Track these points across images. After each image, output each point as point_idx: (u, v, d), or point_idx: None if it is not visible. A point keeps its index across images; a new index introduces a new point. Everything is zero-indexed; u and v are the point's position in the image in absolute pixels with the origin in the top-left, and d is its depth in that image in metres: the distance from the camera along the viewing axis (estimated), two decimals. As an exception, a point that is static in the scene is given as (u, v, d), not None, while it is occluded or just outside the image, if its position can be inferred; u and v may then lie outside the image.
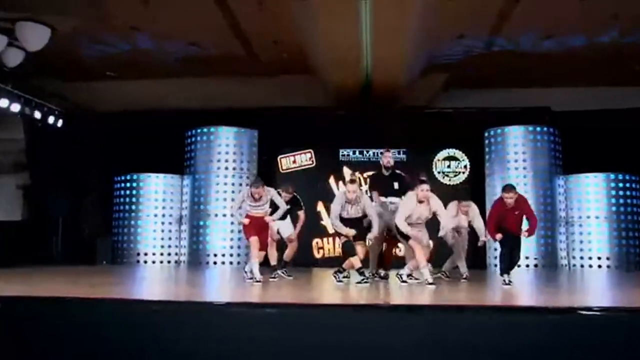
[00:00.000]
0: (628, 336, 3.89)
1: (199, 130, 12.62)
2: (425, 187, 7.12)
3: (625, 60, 10.98)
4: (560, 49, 10.79)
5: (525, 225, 7.44)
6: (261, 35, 10.42)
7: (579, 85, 12.13)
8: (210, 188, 12.42)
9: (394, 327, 4.10)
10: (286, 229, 8.38)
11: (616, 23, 9.84)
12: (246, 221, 7.33)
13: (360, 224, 7.37)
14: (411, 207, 7.10)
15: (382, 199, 7.74)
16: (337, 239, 12.59)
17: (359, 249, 7.31)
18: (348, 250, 7.27)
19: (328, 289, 6.93)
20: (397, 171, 8.09)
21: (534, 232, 7.48)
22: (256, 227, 7.37)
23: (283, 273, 8.24)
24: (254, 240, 7.35)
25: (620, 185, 12.05)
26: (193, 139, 12.70)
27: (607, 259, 11.90)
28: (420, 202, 7.12)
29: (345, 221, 7.30)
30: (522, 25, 10.00)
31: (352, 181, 7.72)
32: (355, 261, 7.18)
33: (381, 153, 8.50)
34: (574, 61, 11.05)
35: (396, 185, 7.83)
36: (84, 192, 13.34)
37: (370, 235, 7.26)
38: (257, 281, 7.13)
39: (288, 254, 8.51)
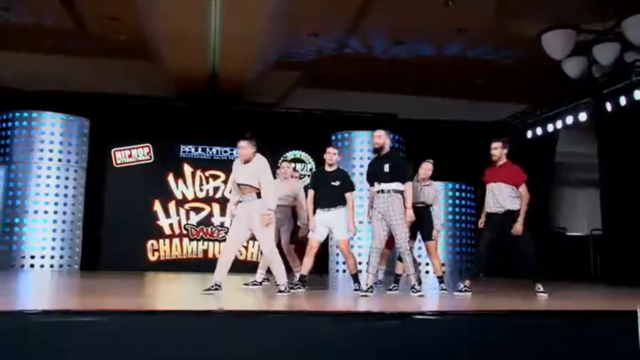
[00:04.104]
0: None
1: (17, 114, 11.05)
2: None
3: (469, 73, 11.35)
4: (410, 56, 10.90)
5: None
6: (94, 8, 9.27)
7: (425, 94, 12.35)
8: (29, 181, 10.96)
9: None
10: None
11: (461, 37, 10.12)
12: None
13: None
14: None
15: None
16: (173, 240, 11.77)
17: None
18: None
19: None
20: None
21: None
22: None
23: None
24: None
25: (457, 194, 12.54)
26: (9, 124, 11.08)
27: (442, 265, 12.26)
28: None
29: None
30: (374, 29, 9.99)
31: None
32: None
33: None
34: (423, 70, 11.23)
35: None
36: None
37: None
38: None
39: None
